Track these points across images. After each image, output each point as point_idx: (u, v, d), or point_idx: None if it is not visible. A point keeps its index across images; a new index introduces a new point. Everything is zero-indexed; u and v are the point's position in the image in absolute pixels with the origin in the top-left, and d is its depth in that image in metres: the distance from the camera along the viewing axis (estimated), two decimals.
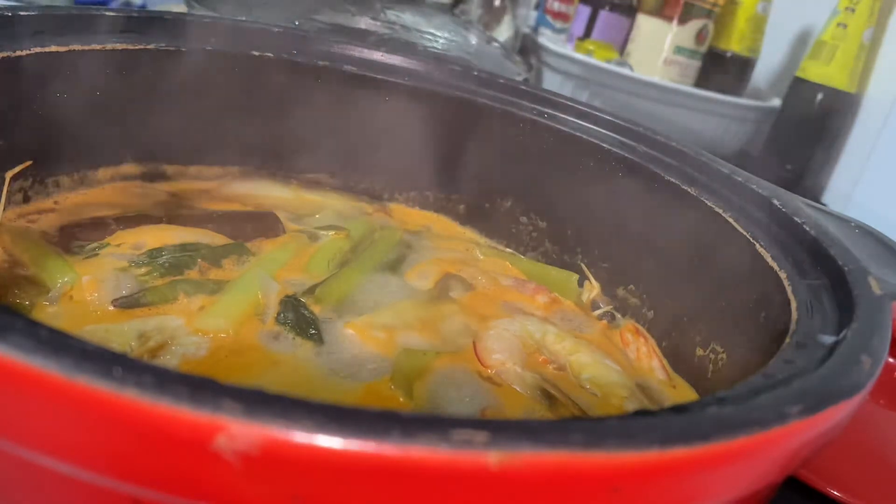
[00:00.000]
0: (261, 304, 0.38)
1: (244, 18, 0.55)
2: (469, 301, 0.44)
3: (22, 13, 0.39)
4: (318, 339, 0.37)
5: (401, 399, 0.34)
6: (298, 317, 0.38)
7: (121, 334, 0.34)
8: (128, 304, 0.36)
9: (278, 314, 0.38)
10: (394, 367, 0.36)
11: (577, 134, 0.50)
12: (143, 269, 0.39)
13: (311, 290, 0.41)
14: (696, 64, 1.07)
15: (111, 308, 0.36)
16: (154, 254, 0.40)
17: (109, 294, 0.36)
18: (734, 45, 1.08)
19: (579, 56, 1.03)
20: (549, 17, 1.15)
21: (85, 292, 0.36)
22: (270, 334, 0.37)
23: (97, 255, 0.39)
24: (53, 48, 0.40)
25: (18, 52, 0.38)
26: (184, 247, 0.41)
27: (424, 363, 0.37)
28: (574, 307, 0.47)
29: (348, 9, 0.72)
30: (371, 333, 0.38)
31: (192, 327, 0.36)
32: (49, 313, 0.35)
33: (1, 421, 0.16)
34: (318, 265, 0.44)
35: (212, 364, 0.34)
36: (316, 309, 0.39)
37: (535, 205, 0.54)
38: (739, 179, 0.43)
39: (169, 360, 0.33)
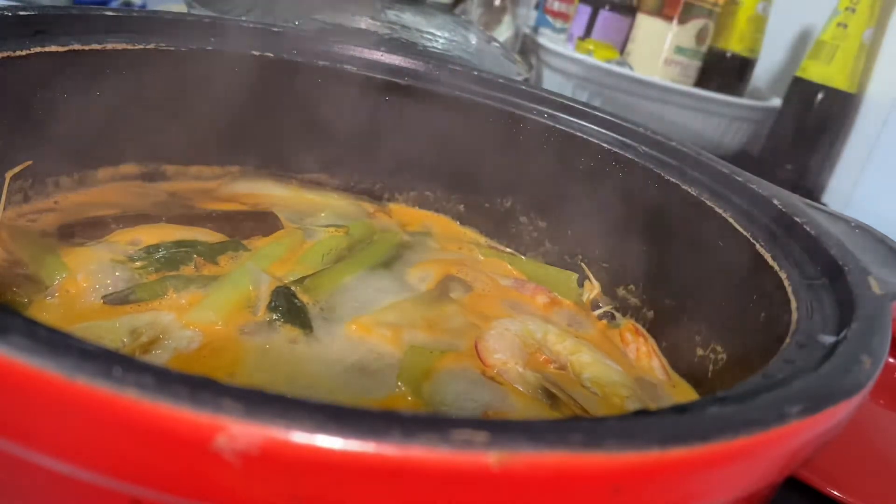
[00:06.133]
0: (252, 297, 0.39)
1: (244, 18, 0.55)
2: (469, 302, 0.44)
3: (22, 13, 0.39)
4: (308, 326, 0.38)
5: (409, 398, 0.34)
6: (289, 305, 0.38)
7: (112, 331, 0.34)
8: (117, 300, 0.36)
9: (269, 302, 0.38)
10: (402, 366, 0.36)
11: (577, 134, 0.50)
12: (139, 264, 0.39)
13: (300, 281, 0.41)
14: (696, 64, 1.07)
15: (104, 304, 0.36)
16: (151, 250, 0.40)
17: (104, 290, 0.37)
18: (734, 45, 1.08)
19: (579, 56, 1.03)
20: (549, 17, 1.15)
21: (81, 289, 0.36)
22: (261, 325, 0.37)
23: (95, 251, 0.39)
24: (53, 48, 0.40)
25: (18, 52, 0.38)
26: (180, 243, 0.41)
27: (431, 362, 0.37)
28: (574, 307, 0.47)
29: (348, 9, 0.72)
30: (377, 331, 0.39)
31: (183, 321, 0.36)
32: (45, 310, 0.35)
33: (1, 421, 0.16)
34: (313, 259, 0.44)
35: (204, 358, 0.34)
36: (304, 299, 0.40)
37: (535, 205, 0.54)
38: (739, 179, 0.43)
39: (160, 355, 0.33)
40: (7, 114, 0.39)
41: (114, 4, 1.01)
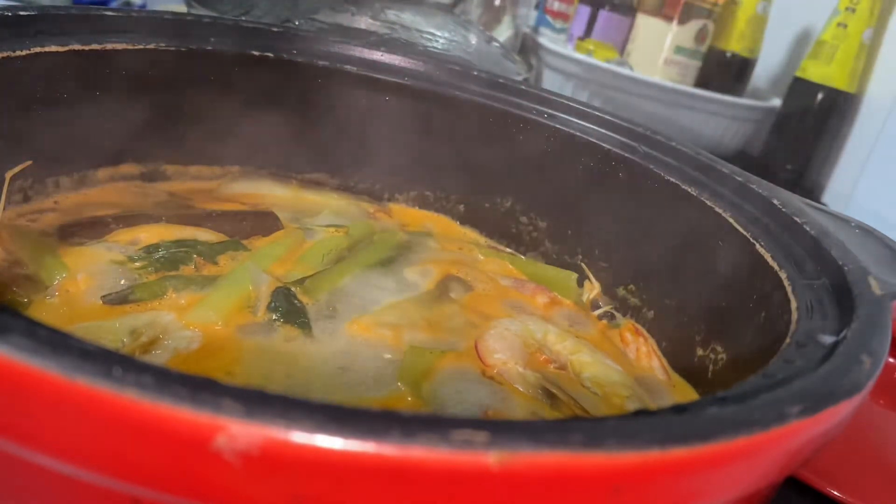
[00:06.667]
0: (252, 297, 0.39)
1: (244, 18, 0.55)
2: (469, 301, 0.44)
3: (22, 13, 0.39)
4: (307, 326, 0.38)
5: (409, 398, 0.34)
6: (289, 305, 0.38)
7: (112, 331, 0.34)
8: (116, 300, 0.36)
9: (269, 303, 0.38)
10: (402, 366, 0.36)
11: (577, 134, 0.50)
12: (139, 264, 0.39)
13: (300, 282, 0.41)
14: (696, 64, 1.07)
15: (104, 304, 0.36)
16: (150, 249, 0.40)
17: (104, 290, 0.37)
18: (734, 45, 1.08)
19: (579, 56, 1.03)
20: (549, 17, 1.15)
21: (80, 289, 0.36)
22: (261, 326, 0.37)
23: (94, 250, 0.39)
24: (53, 48, 0.40)
25: (18, 52, 0.38)
26: (180, 243, 0.41)
27: (431, 362, 0.37)
28: (574, 307, 0.47)
29: (348, 9, 0.72)
30: (377, 331, 0.39)
31: (183, 321, 0.36)
32: (45, 310, 0.35)
33: (1, 421, 0.16)
34: (313, 259, 0.44)
35: (204, 358, 0.34)
36: (304, 299, 0.40)
37: (535, 205, 0.54)
38: (739, 179, 0.43)
39: (160, 356, 0.33)
40: (7, 114, 0.39)
41: (114, 4, 1.01)
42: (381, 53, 0.53)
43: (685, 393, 0.41)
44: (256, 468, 0.15)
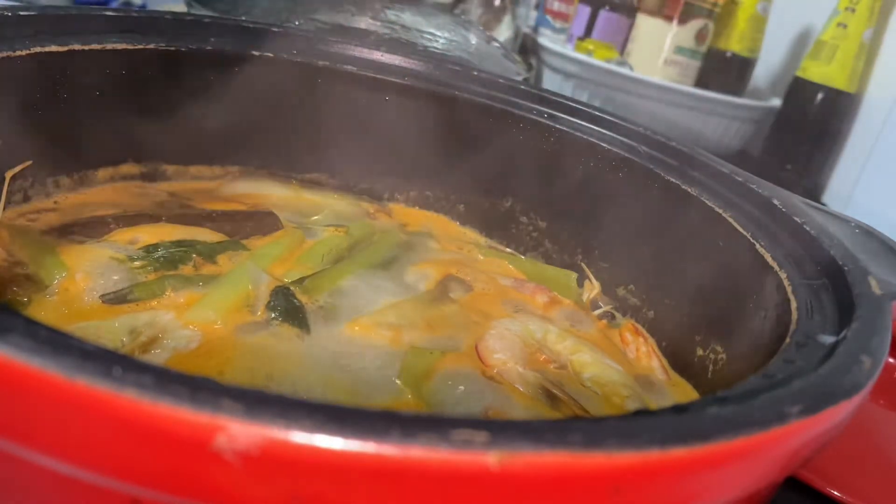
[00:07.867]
0: (251, 296, 0.39)
1: (244, 18, 0.55)
2: (469, 301, 0.44)
3: (22, 13, 0.39)
4: (305, 326, 0.38)
5: (410, 399, 0.34)
6: (288, 305, 0.38)
7: (112, 330, 0.34)
8: (115, 299, 0.36)
9: (268, 302, 0.38)
10: (402, 366, 0.36)
11: (577, 134, 0.50)
12: (139, 264, 0.39)
13: (300, 281, 0.41)
14: (696, 64, 1.07)
15: (103, 304, 0.36)
16: (150, 249, 0.40)
17: (103, 290, 0.37)
18: (734, 45, 1.08)
19: (579, 56, 1.03)
20: (549, 17, 1.15)
21: (80, 288, 0.36)
22: (260, 325, 0.37)
23: (94, 249, 0.39)
24: (53, 48, 0.40)
25: (18, 52, 0.38)
26: (180, 242, 0.41)
27: (432, 362, 0.37)
28: (574, 307, 0.47)
29: (348, 9, 0.72)
30: (377, 331, 0.39)
31: (182, 320, 0.36)
32: (45, 309, 0.35)
33: (1, 421, 0.16)
34: (313, 259, 0.44)
35: (202, 357, 0.34)
36: (304, 299, 0.40)
37: (535, 205, 0.54)
38: (739, 179, 0.43)
39: (160, 355, 0.33)
40: (7, 114, 0.39)
41: (114, 4, 1.01)
42: (381, 53, 0.53)
43: (685, 393, 0.41)
44: (256, 468, 0.15)
